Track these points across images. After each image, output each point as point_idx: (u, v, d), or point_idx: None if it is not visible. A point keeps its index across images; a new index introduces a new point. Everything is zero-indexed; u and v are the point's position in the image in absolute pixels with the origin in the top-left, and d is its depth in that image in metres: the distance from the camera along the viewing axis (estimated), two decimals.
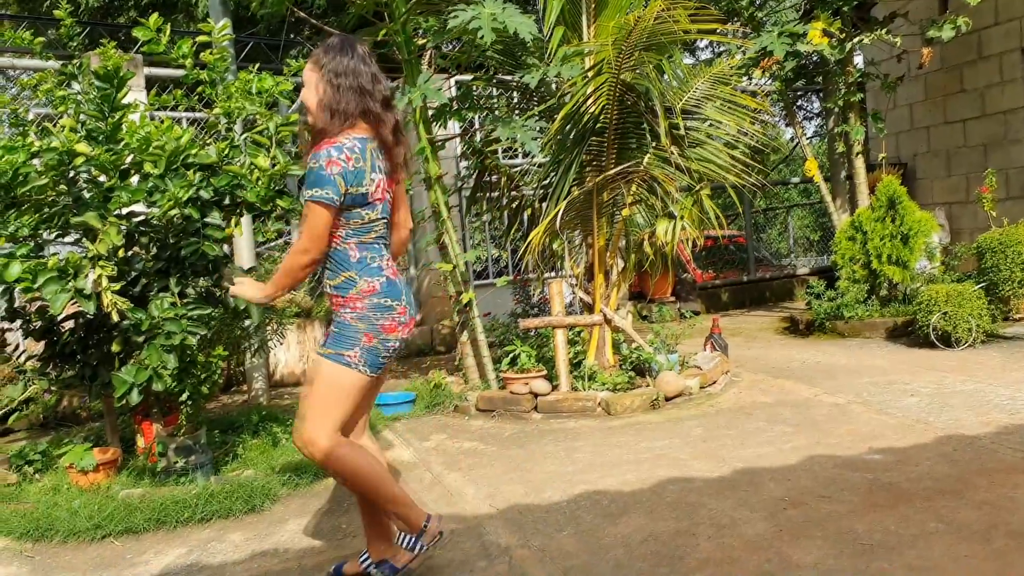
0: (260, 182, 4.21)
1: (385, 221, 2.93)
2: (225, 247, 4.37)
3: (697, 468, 4.21)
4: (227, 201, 4.25)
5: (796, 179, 14.53)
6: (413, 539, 2.96)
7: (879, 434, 4.56)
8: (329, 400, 2.86)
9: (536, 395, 5.65)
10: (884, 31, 8.37)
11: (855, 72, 9.19)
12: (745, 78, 8.80)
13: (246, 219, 5.70)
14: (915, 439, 4.42)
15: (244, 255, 6.32)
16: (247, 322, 5.01)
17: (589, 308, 6.16)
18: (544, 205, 6.39)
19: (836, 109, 9.47)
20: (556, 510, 3.76)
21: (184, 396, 4.46)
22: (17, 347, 4.83)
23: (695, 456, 4.42)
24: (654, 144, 5.83)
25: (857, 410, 5.12)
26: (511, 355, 6.00)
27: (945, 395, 5.31)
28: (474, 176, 6.86)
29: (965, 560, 2.95)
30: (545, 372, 5.82)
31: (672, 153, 5.61)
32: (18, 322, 4.63)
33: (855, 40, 8.52)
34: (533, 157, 6.77)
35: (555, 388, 5.74)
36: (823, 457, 4.23)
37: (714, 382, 6.11)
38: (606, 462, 4.44)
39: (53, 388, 4.85)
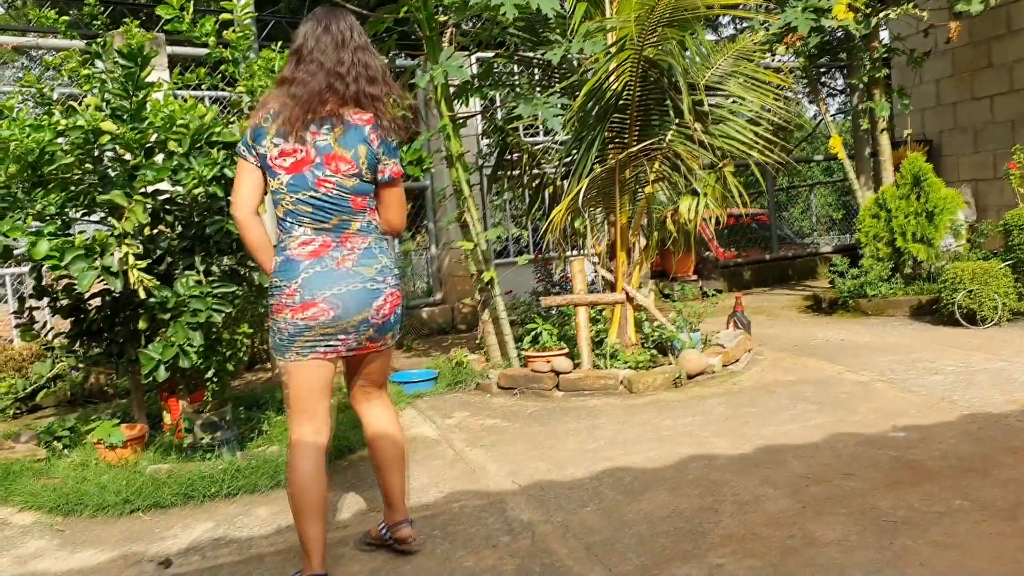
0: None
1: (302, 200, 2.77)
2: None
3: (720, 446, 4.21)
4: None
5: (819, 157, 14.40)
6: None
7: (903, 412, 4.54)
8: None
9: (558, 373, 5.65)
10: (911, 5, 8.25)
11: (881, 48, 9.07)
12: (768, 54, 8.70)
13: (269, 198, 5.71)
14: (939, 417, 4.40)
15: (269, 233, 6.34)
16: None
17: (611, 286, 6.15)
18: (566, 183, 6.37)
19: (861, 85, 9.35)
20: (578, 486, 3.78)
21: (210, 373, 4.51)
22: (45, 324, 4.88)
23: (717, 434, 4.42)
24: (677, 121, 5.80)
25: (881, 388, 5.10)
26: (533, 333, 6.01)
27: (970, 373, 5.28)
28: (495, 154, 6.85)
29: (990, 537, 2.94)
30: (567, 350, 5.83)
31: (695, 130, 5.57)
32: (46, 300, 4.69)
33: (881, 15, 8.41)
34: (555, 135, 6.73)
35: (577, 366, 5.74)
36: (846, 435, 4.22)
37: (737, 360, 6.10)
38: (628, 439, 4.45)
39: (80, 365, 4.91)
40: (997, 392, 4.78)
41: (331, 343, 2.81)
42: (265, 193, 2.92)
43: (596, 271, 6.37)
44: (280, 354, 2.83)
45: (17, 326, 4.74)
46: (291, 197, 2.78)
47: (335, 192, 2.79)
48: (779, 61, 9.27)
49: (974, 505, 3.23)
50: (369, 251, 2.86)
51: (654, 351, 6.02)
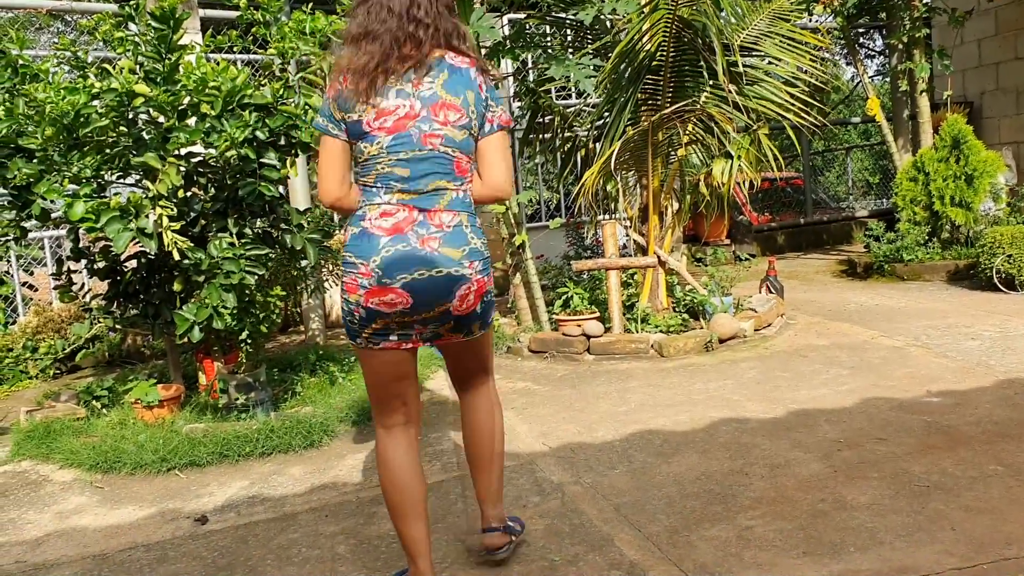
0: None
1: (403, 160, 2.40)
2: (280, 188, 4.40)
3: (751, 409, 4.20)
4: (282, 142, 4.28)
5: (856, 119, 14.16)
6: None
7: (938, 377, 4.50)
8: None
9: (589, 337, 5.65)
10: None
11: (921, 6, 8.87)
12: (806, 14, 8.54)
13: (301, 160, 5.74)
14: (975, 382, 4.35)
15: (299, 196, 6.38)
16: (303, 263, 5.07)
17: (643, 250, 6.11)
18: (598, 146, 6.32)
19: (900, 46, 9.16)
20: (608, 449, 3.79)
21: (244, 335, 4.56)
22: (83, 286, 4.96)
23: (749, 398, 4.41)
24: (711, 82, 5.72)
25: (915, 353, 5.04)
26: (564, 297, 6.00)
27: (1008, 339, 5.20)
28: (527, 116, 6.80)
29: None
30: (598, 314, 5.82)
31: (729, 91, 5.49)
32: (83, 262, 4.76)
33: None
34: (587, 97, 6.67)
35: (608, 330, 5.74)
36: (880, 399, 4.19)
37: (769, 324, 6.06)
38: (658, 403, 4.45)
39: (118, 326, 4.99)
40: None
41: (407, 332, 2.46)
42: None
43: (628, 235, 6.34)
44: (351, 338, 2.52)
45: (56, 288, 4.81)
46: (390, 159, 2.40)
47: (441, 149, 2.41)
48: (816, 21, 9.10)
49: (1008, 470, 3.19)
50: (459, 231, 2.45)
51: (685, 315, 6.00)
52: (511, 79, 8.25)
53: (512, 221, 6.11)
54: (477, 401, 2.75)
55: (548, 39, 7.09)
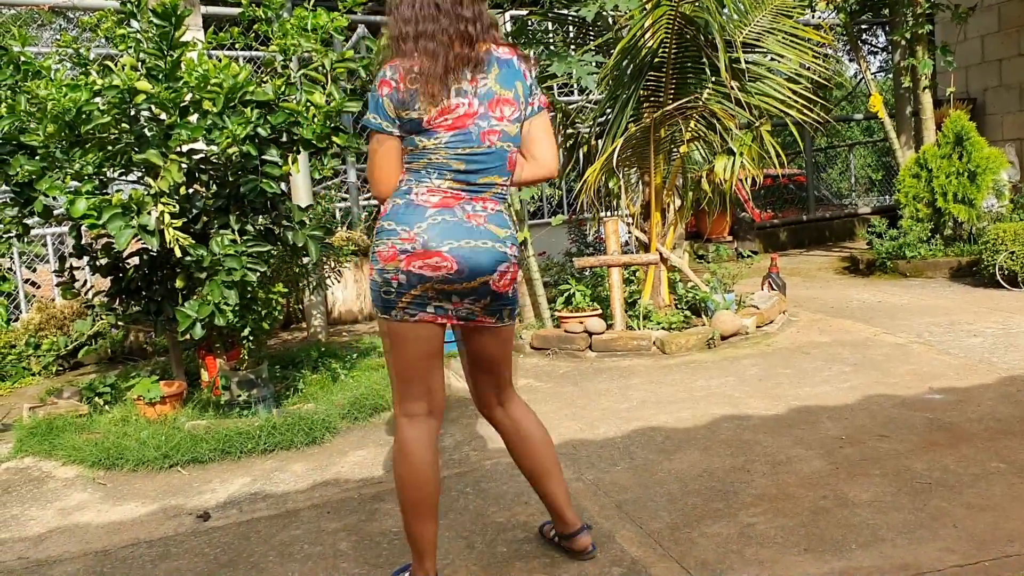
0: (316, 119, 4.23)
1: (459, 156, 2.43)
2: (282, 185, 4.40)
3: (753, 406, 4.20)
4: (284, 138, 4.28)
5: (859, 116, 14.14)
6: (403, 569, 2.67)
7: (940, 374, 4.49)
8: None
9: (591, 333, 5.65)
10: None
11: (924, 3, 8.85)
12: (808, 10, 8.53)
13: (303, 157, 5.74)
14: (978, 379, 4.35)
15: (301, 193, 6.38)
16: (305, 259, 5.07)
17: (645, 247, 6.11)
18: (600, 142, 6.32)
19: (903, 42, 9.15)
20: (610, 445, 3.79)
21: (246, 331, 4.56)
22: (85, 283, 4.96)
23: (751, 394, 4.40)
24: (713, 79, 5.71)
25: (918, 350, 5.04)
26: (566, 294, 6.01)
27: (1011, 336, 5.20)
28: None
29: None
30: (600, 311, 5.82)
31: (732, 88, 5.48)
32: (86, 259, 4.76)
33: None
34: (589, 93, 6.67)
35: (610, 327, 5.74)
36: (882, 396, 4.18)
37: (771, 321, 6.06)
38: (660, 399, 4.45)
39: (120, 323, 4.99)
40: None
41: (443, 305, 2.45)
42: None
43: (630, 232, 6.34)
44: (384, 311, 2.46)
45: (58, 284, 4.82)
46: (447, 153, 2.42)
47: (499, 145, 2.46)
48: (819, 17, 9.09)
49: (1011, 467, 3.19)
50: (501, 215, 2.51)
51: (688, 312, 6.00)
52: None
53: (514, 218, 6.11)
54: (518, 414, 2.73)
55: (550, 35, 7.09)
